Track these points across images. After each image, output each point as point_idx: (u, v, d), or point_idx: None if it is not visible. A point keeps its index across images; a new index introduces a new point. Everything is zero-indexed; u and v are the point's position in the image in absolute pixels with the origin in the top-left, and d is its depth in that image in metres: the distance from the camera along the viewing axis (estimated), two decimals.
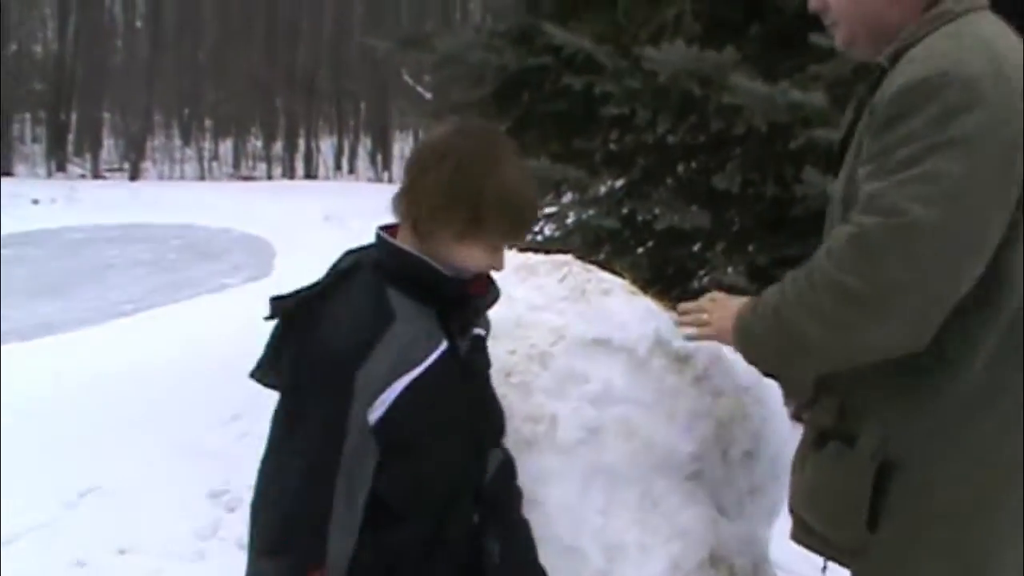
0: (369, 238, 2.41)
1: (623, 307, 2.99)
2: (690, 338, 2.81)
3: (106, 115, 49.15)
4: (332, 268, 2.42)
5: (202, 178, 45.75)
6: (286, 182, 43.21)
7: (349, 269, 2.39)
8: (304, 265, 17.75)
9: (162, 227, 25.38)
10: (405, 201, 2.36)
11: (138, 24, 52.85)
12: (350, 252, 2.46)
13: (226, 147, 49.67)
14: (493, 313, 2.59)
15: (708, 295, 2.77)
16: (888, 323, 2.16)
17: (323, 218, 26.36)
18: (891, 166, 2.15)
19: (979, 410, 2.25)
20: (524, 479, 2.68)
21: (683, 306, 2.82)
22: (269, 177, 46.29)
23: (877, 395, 2.35)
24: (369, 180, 45.20)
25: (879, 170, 2.18)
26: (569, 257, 3.09)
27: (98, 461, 6.53)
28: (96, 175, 44.79)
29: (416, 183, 2.34)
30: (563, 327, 2.79)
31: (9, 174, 42.39)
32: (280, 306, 2.32)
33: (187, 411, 7.49)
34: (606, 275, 3.14)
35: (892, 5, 2.36)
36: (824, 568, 2.61)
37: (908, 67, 2.23)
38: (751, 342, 2.48)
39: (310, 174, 47.19)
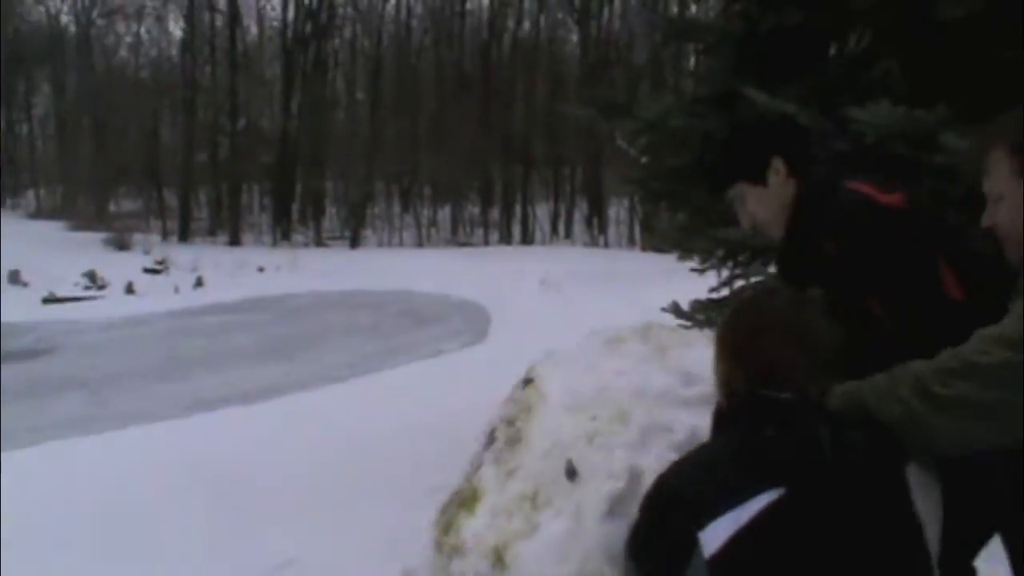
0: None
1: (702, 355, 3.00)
2: None
3: (328, 185, 50.88)
4: None
5: (420, 245, 46.89)
6: (503, 247, 43.92)
7: None
8: (519, 330, 17.68)
9: (381, 293, 26.05)
10: None
11: (359, 96, 54.64)
12: None
13: (444, 214, 50.77)
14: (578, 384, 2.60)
15: None
16: None
17: (539, 283, 26.61)
18: None
19: None
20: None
21: None
22: (486, 243, 47.08)
23: None
24: (585, 245, 45.50)
25: None
26: (650, 321, 3.13)
27: (299, 534, 6.55)
28: (319, 243, 46.34)
29: None
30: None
31: (237, 243, 44.29)
32: None
33: (394, 484, 7.44)
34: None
35: None
36: None
37: None
38: None
39: (527, 239, 47.77)
